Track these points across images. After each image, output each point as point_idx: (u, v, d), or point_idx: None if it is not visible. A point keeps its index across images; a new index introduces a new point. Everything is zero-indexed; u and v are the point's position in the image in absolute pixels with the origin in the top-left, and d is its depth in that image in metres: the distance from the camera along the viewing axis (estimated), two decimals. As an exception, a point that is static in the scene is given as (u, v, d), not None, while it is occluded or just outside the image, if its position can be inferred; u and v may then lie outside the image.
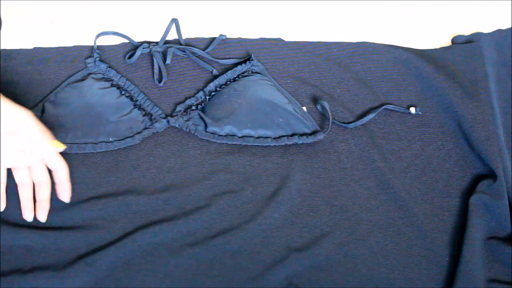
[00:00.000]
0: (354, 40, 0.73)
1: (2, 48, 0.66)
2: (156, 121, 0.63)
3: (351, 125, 0.66)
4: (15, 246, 0.54)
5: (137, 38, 0.69)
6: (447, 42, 0.76)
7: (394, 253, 0.59)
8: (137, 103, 0.64)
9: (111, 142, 0.61)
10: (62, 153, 0.59)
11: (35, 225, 0.55)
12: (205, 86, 0.66)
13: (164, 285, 0.54)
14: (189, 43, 0.70)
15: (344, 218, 0.60)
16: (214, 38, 0.70)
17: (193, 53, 0.68)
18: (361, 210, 0.61)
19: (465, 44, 0.74)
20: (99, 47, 0.67)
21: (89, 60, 0.66)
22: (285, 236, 0.58)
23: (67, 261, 0.54)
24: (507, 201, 0.62)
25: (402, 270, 0.58)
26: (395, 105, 0.68)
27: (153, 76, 0.66)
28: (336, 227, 0.60)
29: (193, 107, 0.64)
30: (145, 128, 0.62)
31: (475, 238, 0.59)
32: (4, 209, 0.56)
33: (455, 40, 0.75)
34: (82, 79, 0.64)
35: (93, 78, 0.64)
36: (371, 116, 0.66)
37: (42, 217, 0.55)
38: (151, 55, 0.67)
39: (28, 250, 0.54)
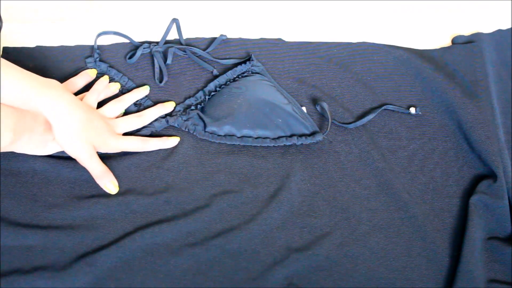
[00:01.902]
0: (354, 40, 0.73)
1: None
2: (155, 120, 0.63)
3: (351, 126, 0.66)
4: (15, 246, 0.54)
5: (137, 38, 0.69)
6: (447, 42, 0.76)
7: (394, 254, 0.59)
8: (137, 102, 0.64)
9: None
10: (60, 153, 0.59)
11: (35, 225, 0.56)
12: (205, 86, 0.66)
13: (164, 285, 0.54)
14: (190, 43, 0.69)
15: (344, 218, 0.60)
16: (214, 38, 0.70)
17: (194, 53, 0.68)
18: (361, 210, 0.61)
19: (465, 44, 0.74)
20: (99, 47, 0.67)
21: (89, 59, 0.66)
22: (285, 236, 0.58)
23: (67, 261, 0.54)
24: (507, 201, 0.62)
25: (402, 270, 0.58)
26: (395, 105, 0.68)
27: (154, 76, 0.66)
28: (336, 227, 0.60)
29: (193, 107, 0.64)
30: (143, 127, 0.62)
31: (475, 238, 0.59)
32: (4, 209, 0.56)
33: (455, 40, 0.75)
34: None
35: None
36: (371, 116, 0.66)
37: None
38: (151, 55, 0.67)
39: (28, 250, 0.54)
